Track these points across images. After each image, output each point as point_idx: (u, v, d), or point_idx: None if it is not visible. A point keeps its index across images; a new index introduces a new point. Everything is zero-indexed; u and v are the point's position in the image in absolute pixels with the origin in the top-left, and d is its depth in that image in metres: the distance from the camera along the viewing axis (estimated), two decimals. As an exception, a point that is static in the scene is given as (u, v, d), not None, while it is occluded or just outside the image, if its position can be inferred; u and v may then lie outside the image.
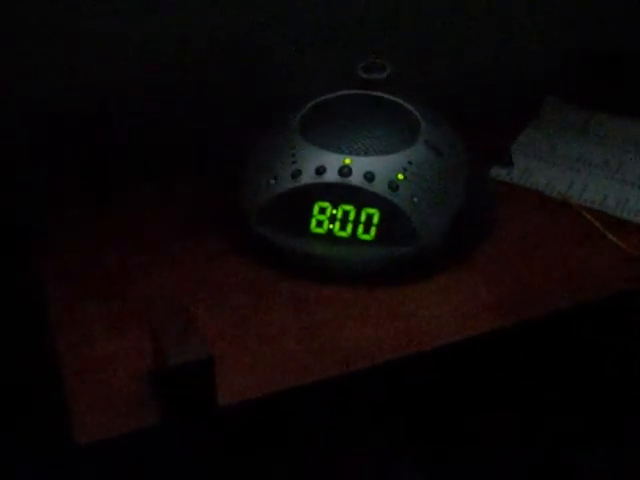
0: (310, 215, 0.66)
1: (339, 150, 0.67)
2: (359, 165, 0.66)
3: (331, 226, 0.66)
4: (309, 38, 0.81)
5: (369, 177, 0.66)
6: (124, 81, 0.77)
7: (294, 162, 0.67)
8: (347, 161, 0.66)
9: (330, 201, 0.66)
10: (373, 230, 0.66)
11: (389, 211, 0.66)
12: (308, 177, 0.66)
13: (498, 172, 0.78)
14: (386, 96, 0.71)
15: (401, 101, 0.71)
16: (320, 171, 0.66)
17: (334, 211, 0.66)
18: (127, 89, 0.78)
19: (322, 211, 0.66)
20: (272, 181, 0.67)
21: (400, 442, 0.71)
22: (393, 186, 0.66)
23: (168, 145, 0.77)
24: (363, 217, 0.66)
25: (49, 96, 0.76)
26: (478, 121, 0.77)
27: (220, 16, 0.77)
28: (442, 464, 0.71)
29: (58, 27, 0.74)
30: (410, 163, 0.67)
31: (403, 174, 0.66)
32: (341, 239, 0.66)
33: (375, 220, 0.66)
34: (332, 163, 0.66)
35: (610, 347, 0.67)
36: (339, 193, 0.66)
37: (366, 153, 0.67)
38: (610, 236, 0.71)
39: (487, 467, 0.71)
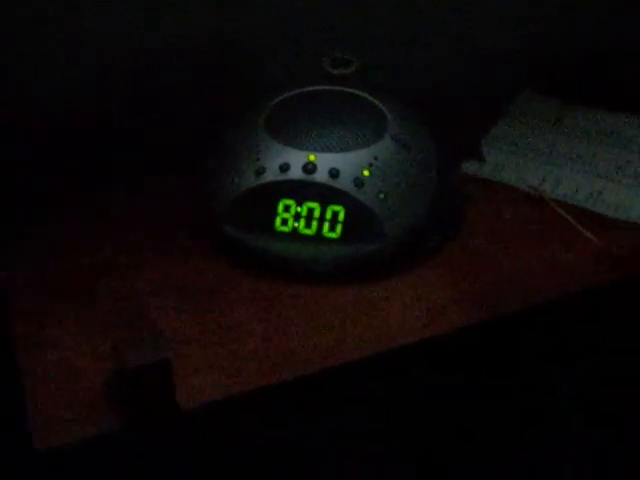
0: (275, 213, 0.65)
1: (303, 147, 0.66)
2: (324, 162, 0.65)
3: (296, 224, 0.65)
4: (278, 33, 0.80)
5: (334, 174, 0.65)
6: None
7: (258, 159, 0.66)
8: (311, 158, 0.65)
9: (295, 199, 0.65)
10: (339, 228, 0.65)
11: (355, 208, 0.64)
12: (272, 174, 0.65)
13: (468, 166, 0.77)
14: (352, 91, 0.70)
15: (368, 96, 0.70)
16: (284, 168, 0.65)
17: (299, 209, 0.65)
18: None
19: (287, 209, 0.65)
20: (236, 179, 0.66)
21: (376, 441, 0.70)
22: (358, 182, 0.65)
23: (135, 144, 0.77)
24: (328, 215, 0.65)
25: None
26: (448, 115, 0.76)
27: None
28: (422, 460, 0.71)
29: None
30: (376, 159, 0.66)
31: (369, 170, 0.65)
32: (306, 237, 0.65)
33: (341, 217, 0.65)
34: (296, 160, 0.65)
35: (581, 340, 0.66)
36: (304, 190, 0.65)
37: (331, 149, 0.66)
38: (583, 230, 0.70)
39: (469, 464, 0.71)
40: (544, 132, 0.82)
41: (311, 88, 0.70)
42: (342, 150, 0.66)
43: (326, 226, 0.65)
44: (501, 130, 0.82)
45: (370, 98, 0.70)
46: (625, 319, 0.66)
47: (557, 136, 0.82)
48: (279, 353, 0.60)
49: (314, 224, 0.65)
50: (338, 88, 0.70)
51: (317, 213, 0.65)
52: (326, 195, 0.65)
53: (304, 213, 0.65)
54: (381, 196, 0.65)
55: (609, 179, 0.77)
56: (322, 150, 0.66)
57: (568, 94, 0.86)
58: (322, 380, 0.60)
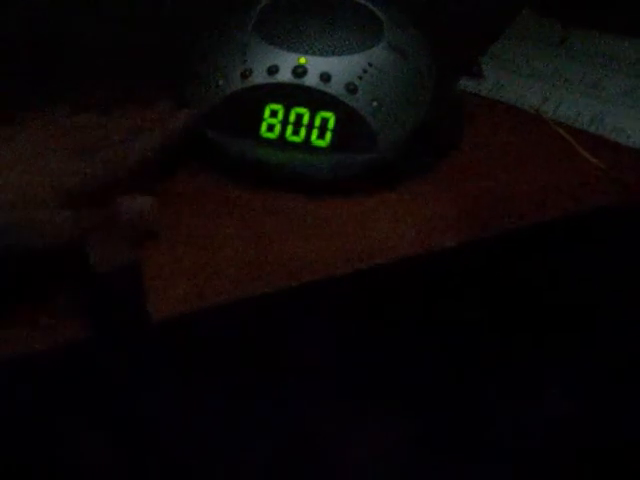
0: (261, 118, 0.61)
1: (294, 49, 0.62)
2: (315, 65, 0.61)
3: (283, 130, 0.61)
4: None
5: (325, 78, 0.61)
6: None
7: (245, 61, 0.62)
8: (302, 60, 0.61)
9: (283, 103, 0.61)
10: (328, 135, 0.61)
11: (346, 115, 0.61)
12: (259, 77, 0.61)
13: (467, 83, 0.73)
14: (349, -5, 0.66)
15: (365, 1, 0.66)
16: (272, 71, 0.61)
17: (287, 114, 0.61)
18: None
19: (274, 114, 0.61)
20: (221, 82, 0.62)
21: (353, 360, 0.67)
22: (351, 88, 0.61)
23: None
24: (318, 121, 0.61)
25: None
26: (448, 30, 0.72)
27: None
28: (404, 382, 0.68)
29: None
30: (370, 65, 0.62)
31: (362, 76, 0.61)
32: (294, 144, 0.61)
33: (330, 125, 0.61)
34: (286, 62, 0.61)
35: (577, 263, 0.63)
36: (292, 95, 0.61)
37: (323, 53, 0.62)
38: (584, 152, 0.67)
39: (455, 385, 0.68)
40: (547, 53, 0.79)
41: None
42: (335, 54, 0.62)
43: (315, 133, 0.61)
44: (501, 49, 0.78)
45: (367, 4, 0.66)
46: (625, 242, 0.63)
47: (560, 58, 0.78)
48: (257, 263, 0.57)
49: (302, 131, 0.61)
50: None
51: (306, 119, 0.61)
52: (316, 100, 0.61)
53: (292, 119, 0.61)
54: (374, 104, 0.61)
55: (613, 103, 0.73)
56: (313, 53, 0.62)
57: (567, 16, 0.82)
58: (299, 294, 0.56)
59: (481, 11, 0.79)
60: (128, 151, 0.58)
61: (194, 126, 0.62)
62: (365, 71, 0.61)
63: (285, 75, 0.61)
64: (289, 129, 0.61)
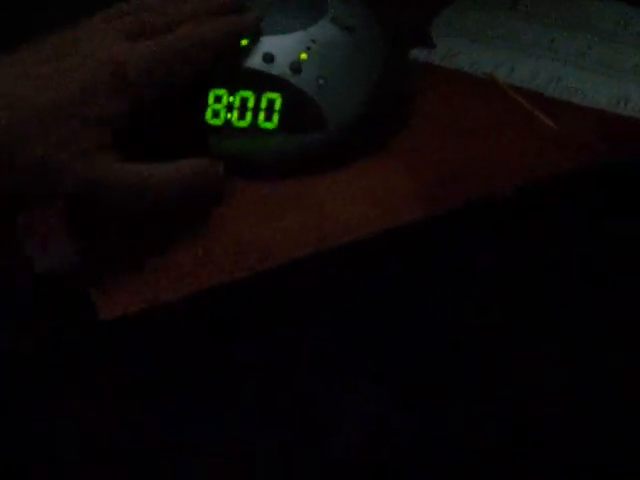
0: (205, 105, 0.60)
1: (234, 30, 0.60)
2: (256, 46, 0.59)
3: (229, 115, 0.60)
4: None
5: (268, 58, 0.59)
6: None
7: (185, 47, 0.60)
8: (243, 42, 0.59)
9: (226, 88, 0.59)
10: (275, 117, 0.59)
11: (292, 95, 0.59)
12: (201, 62, 0.59)
13: (418, 53, 0.72)
14: (288, -29, 0.64)
15: (305, -24, 0.64)
16: (214, 54, 0.59)
17: (231, 99, 0.59)
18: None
19: (218, 100, 0.59)
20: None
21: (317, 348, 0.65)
22: (295, 67, 0.59)
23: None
24: (264, 103, 0.59)
25: None
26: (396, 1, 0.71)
27: None
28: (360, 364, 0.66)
29: None
30: (314, 41, 0.60)
31: (306, 54, 0.60)
32: (241, 129, 0.60)
33: (277, 106, 0.59)
34: (226, 45, 0.59)
35: (538, 234, 0.62)
36: (235, 78, 0.59)
37: (264, 32, 0.60)
38: (540, 115, 0.66)
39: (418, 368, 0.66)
40: (499, 16, 0.77)
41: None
42: (276, 33, 0.60)
43: (261, 116, 0.59)
44: (452, 15, 0.77)
45: (307, -23, 0.64)
46: (587, 205, 0.62)
47: (513, 21, 0.77)
48: (213, 254, 0.55)
49: (248, 115, 0.60)
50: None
51: (251, 103, 0.59)
52: (260, 82, 0.59)
53: (237, 103, 0.59)
54: (320, 81, 0.59)
55: (569, 64, 0.72)
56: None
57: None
58: (257, 281, 0.55)
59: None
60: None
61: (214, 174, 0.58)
62: (309, 48, 0.60)
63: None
64: (235, 114, 0.60)
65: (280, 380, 0.58)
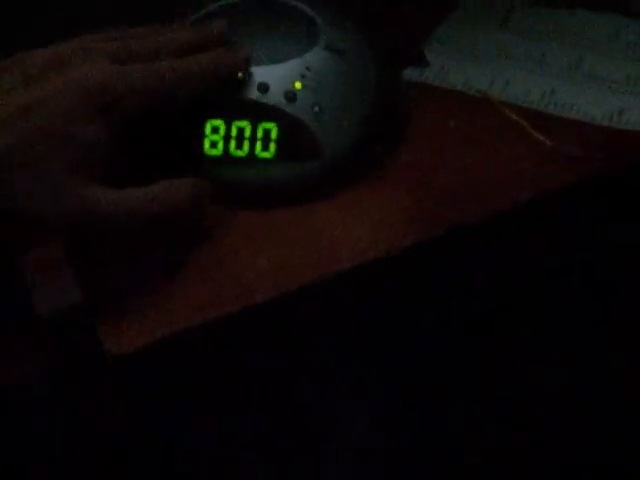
0: (202, 136, 0.60)
1: (229, 61, 0.60)
2: (251, 76, 0.60)
3: (227, 146, 0.60)
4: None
5: (263, 88, 0.60)
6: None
7: (181, 79, 0.61)
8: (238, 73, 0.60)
9: (223, 118, 0.60)
10: (272, 146, 0.60)
11: (288, 124, 0.60)
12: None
13: (411, 73, 0.72)
14: (279, -1, 0.65)
15: (297, 3, 0.65)
16: (209, 86, 0.60)
17: (228, 129, 0.60)
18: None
19: (215, 130, 0.60)
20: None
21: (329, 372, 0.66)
22: (290, 96, 0.60)
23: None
24: (260, 133, 0.60)
25: None
26: (387, 19, 0.71)
27: None
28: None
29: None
30: (308, 69, 0.61)
31: (301, 82, 0.60)
32: (239, 159, 0.60)
33: (273, 135, 0.60)
34: (222, 76, 0.60)
35: (536, 248, 0.62)
36: (231, 109, 0.60)
37: (258, 62, 0.61)
38: (533, 132, 0.66)
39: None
40: (491, 33, 0.78)
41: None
42: (270, 62, 0.61)
43: (258, 146, 0.60)
44: (444, 32, 0.77)
45: (299, 5, 0.64)
46: (582, 219, 0.63)
47: (504, 36, 0.77)
48: (215, 285, 0.56)
49: (245, 144, 0.60)
50: (264, -4, 0.65)
51: (248, 132, 0.60)
52: (256, 112, 0.60)
53: (234, 133, 0.60)
54: (315, 109, 0.60)
55: (562, 77, 0.72)
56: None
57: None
58: (258, 314, 0.56)
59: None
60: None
61: (201, 195, 0.58)
62: (303, 76, 0.60)
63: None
64: (232, 144, 0.60)
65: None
